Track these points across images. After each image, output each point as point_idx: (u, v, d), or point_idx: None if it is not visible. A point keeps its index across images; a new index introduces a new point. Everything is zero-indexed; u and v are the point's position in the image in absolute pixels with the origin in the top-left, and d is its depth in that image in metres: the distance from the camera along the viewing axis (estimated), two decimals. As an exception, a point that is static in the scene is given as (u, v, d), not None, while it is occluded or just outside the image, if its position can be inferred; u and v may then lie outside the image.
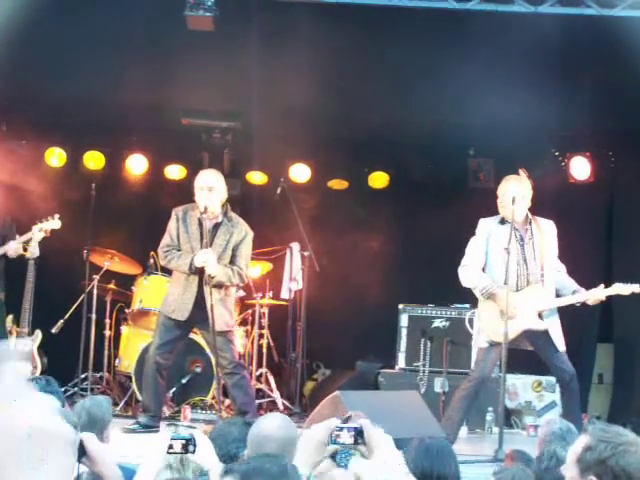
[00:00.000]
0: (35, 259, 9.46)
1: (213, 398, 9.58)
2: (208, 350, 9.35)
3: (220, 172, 8.86)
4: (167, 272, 9.35)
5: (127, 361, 10.29)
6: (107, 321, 10.60)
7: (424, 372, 10.12)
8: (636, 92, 9.13)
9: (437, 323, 10.22)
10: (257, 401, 9.57)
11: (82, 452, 4.08)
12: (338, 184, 11.94)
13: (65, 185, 11.18)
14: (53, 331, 10.02)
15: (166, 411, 9.38)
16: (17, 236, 9.46)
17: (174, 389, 9.73)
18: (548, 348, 8.23)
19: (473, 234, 8.37)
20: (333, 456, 3.48)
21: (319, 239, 10.76)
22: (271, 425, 4.23)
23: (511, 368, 9.20)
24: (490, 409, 9.72)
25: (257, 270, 10.88)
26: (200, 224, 8.53)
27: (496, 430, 8.41)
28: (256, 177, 11.84)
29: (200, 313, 8.45)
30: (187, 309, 8.51)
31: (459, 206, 10.92)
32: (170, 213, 8.72)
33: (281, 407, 10.24)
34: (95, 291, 10.28)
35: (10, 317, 9.81)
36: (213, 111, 11.19)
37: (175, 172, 11.70)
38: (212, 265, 8.34)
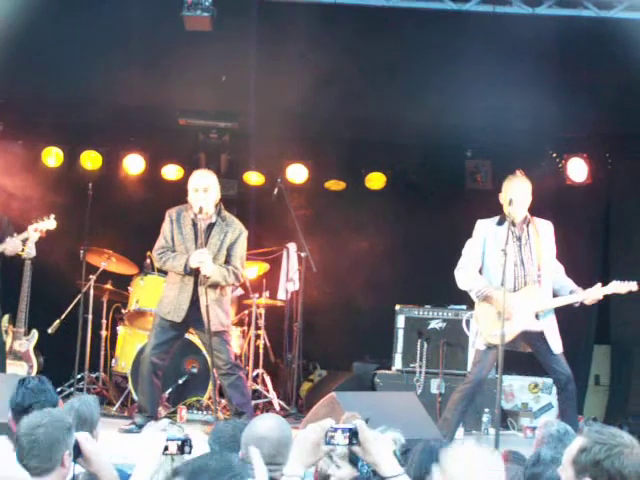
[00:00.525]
0: (31, 259, 9.44)
1: (209, 399, 9.57)
2: (204, 351, 9.34)
3: (216, 172, 8.86)
4: (163, 272, 9.34)
5: (123, 361, 10.28)
6: (103, 321, 10.60)
7: (420, 373, 10.11)
8: (633, 94, 9.14)
9: (434, 324, 10.21)
10: (253, 402, 9.57)
11: (78, 452, 4.08)
12: (335, 185, 11.93)
13: (62, 185, 11.15)
14: (49, 331, 10.01)
15: (162, 411, 9.37)
16: (15, 234, 9.43)
17: (170, 389, 9.72)
18: (545, 350, 8.22)
19: (470, 235, 8.36)
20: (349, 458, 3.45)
21: (316, 240, 10.75)
22: (264, 426, 4.22)
23: (508, 369, 9.22)
24: (487, 410, 9.71)
25: (254, 271, 10.87)
26: (194, 225, 8.53)
27: (492, 431, 8.41)
28: (253, 178, 11.83)
29: (196, 314, 8.45)
30: (183, 310, 8.50)
31: (456, 207, 10.92)
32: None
33: (277, 408, 10.23)
34: (92, 291, 10.27)
35: (6, 317, 9.80)
36: (210, 111, 11.18)
37: (172, 172, 11.69)
38: (207, 265, 8.33)
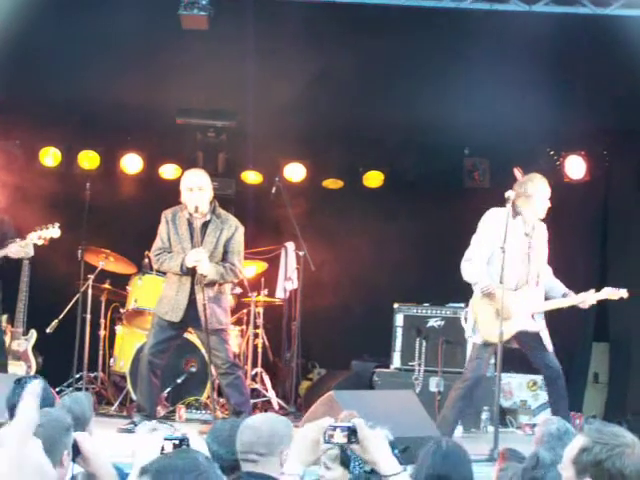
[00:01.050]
0: (29, 259, 9.43)
1: (208, 398, 9.56)
2: (203, 350, 9.33)
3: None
4: (162, 272, 9.33)
5: (122, 361, 10.27)
6: (102, 321, 10.59)
7: (419, 371, 10.11)
8: (630, 90, 9.14)
9: (432, 322, 10.20)
10: (252, 401, 9.56)
11: (76, 452, 4.08)
12: (333, 183, 11.93)
13: (60, 184, 11.14)
14: (48, 331, 10.01)
15: (161, 411, 9.37)
16: (15, 235, 9.39)
17: (169, 389, 9.72)
18: (540, 348, 8.26)
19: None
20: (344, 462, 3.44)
21: (314, 238, 10.74)
22: (257, 419, 4.32)
23: (506, 367, 9.21)
24: (485, 408, 9.70)
25: (252, 269, 10.86)
26: (190, 224, 8.52)
27: (491, 429, 8.40)
28: (251, 176, 11.82)
29: (194, 313, 8.44)
30: (181, 310, 8.50)
31: (454, 205, 10.92)
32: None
33: (276, 407, 10.23)
34: (90, 291, 10.25)
35: (5, 317, 9.79)
36: (208, 110, 11.17)
37: (170, 171, 11.67)
38: (204, 264, 8.32)
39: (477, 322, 8.27)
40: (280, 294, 10.91)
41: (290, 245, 10.79)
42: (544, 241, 8.41)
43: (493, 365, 8.47)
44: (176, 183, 11.03)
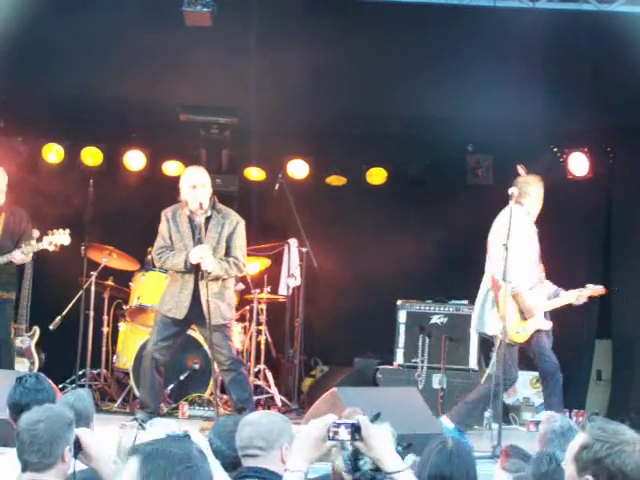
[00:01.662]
0: (32, 255, 9.44)
1: (211, 394, 9.57)
2: (206, 347, 9.33)
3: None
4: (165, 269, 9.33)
5: (125, 358, 10.28)
6: (105, 317, 10.59)
7: (422, 368, 10.11)
8: (634, 88, 9.12)
9: (435, 319, 10.20)
10: (255, 397, 9.56)
11: (78, 448, 4.08)
12: (336, 180, 11.93)
13: (63, 181, 11.15)
14: (51, 327, 10.01)
15: (164, 407, 9.37)
16: (33, 231, 9.39)
17: (172, 385, 9.72)
18: (539, 344, 8.28)
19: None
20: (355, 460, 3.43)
21: (317, 235, 10.74)
22: (255, 415, 4.40)
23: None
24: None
25: (255, 266, 10.86)
26: (191, 221, 8.52)
27: (494, 426, 8.39)
28: (254, 173, 11.82)
29: (198, 309, 8.44)
30: (184, 307, 8.49)
31: (457, 202, 10.91)
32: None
33: (279, 403, 10.23)
34: (93, 287, 10.26)
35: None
36: (211, 107, 11.17)
37: (173, 168, 11.67)
38: (208, 261, 8.32)
39: (508, 322, 8.11)
40: (283, 291, 10.90)
41: (293, 242, 10.79)
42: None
43: (496, 362, 8.44)
44: (179, 180, 11.06)
